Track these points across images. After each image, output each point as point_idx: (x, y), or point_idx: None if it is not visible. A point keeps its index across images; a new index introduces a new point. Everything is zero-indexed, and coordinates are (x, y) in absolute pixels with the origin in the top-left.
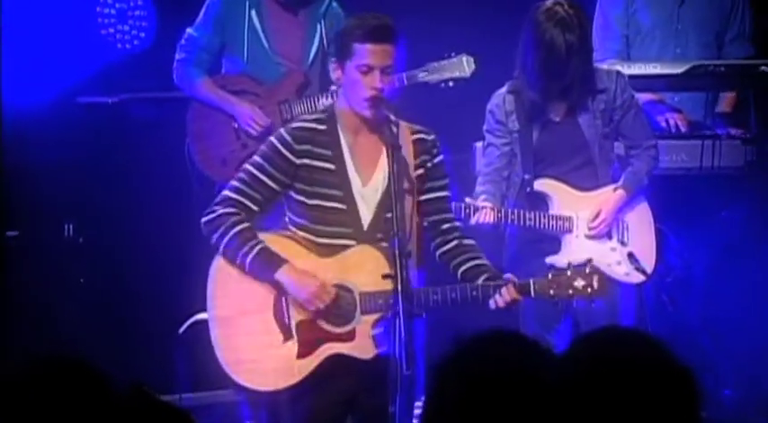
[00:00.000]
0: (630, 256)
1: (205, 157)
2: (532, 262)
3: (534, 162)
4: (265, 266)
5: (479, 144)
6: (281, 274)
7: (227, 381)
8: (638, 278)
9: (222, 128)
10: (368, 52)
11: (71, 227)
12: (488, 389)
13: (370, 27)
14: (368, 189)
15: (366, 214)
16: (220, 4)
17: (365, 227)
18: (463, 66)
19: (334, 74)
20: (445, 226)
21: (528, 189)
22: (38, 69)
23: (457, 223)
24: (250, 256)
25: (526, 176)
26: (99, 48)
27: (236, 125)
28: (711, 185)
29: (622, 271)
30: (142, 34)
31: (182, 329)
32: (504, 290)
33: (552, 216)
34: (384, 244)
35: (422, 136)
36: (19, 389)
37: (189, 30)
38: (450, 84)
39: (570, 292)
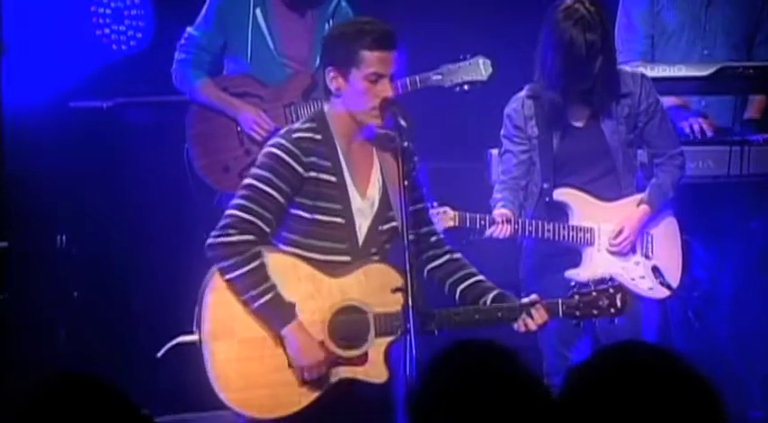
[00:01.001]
0: (655, 269)
1: (205, 163)
2: (550, 276)
3: (554, 170)
4: (274, 317)
5: (495, 151)
6: (289, 332)
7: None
8: (663, 293)
9: (224, 132)
10: (377, 60)
11: (64, 237)
12: (466, 404)
13: (378, 33)
14: (365, 202)
15: (363, 228)
16: (222, 2)
17: (360, 242)
18: (480, 69)
19: (334, 83)
20: (433, 239)
21: (547, 198)
22: (28, 72)
23: (442, 235)
24: (260, 301)
25: (545, 185)
26: (93, 49)
27: (238, 129)
28: (740, 194)
29: (646, 285)
30: (139, 35)
31: (160, 353)
32: (534, 312)
33: (573, 227)
34: (376, 258)
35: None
36: (37, 406)
37: (189, 29)
38: (466, 87)
39: (595, 312)
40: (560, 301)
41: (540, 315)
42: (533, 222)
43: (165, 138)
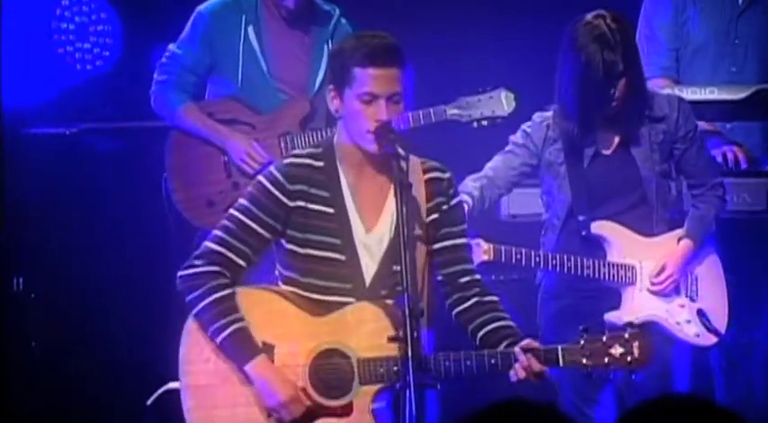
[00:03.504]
0: (701, 313)
1: (186, 197)
2: (572, 326)
3: (580, 200)
4: (237, 352)
5: None
6: (252, 369)
7: None
8: (710, 340)
9: (209, 162)
10: (370, 78)
11: (21, 280)
12: None
13: (371, 48)
14: (372, 237)
15: (370, 267)
16: (209, 18)
17: (368, 282)
18: (501, 103)
19: (333, 103)
20: (464, 279)
21: (584, 232)
22: None
23: (477, 276)
24: (223, 334)
25: (580, 218)
26: (55, 69)
27: (225, 159)
28: None
29: (693, 331)
30: (105, 53)
31: (150, 401)
32: (522, 358)
33: (613, 264)
34: (389, 301)
35: (436, 174)
36: None
37: (171, 46)
38: (485, 123)
39: (606, 360)
40: (560, 347)
41: (528, 362)
42: (572, 259)
43: (135, 168)
